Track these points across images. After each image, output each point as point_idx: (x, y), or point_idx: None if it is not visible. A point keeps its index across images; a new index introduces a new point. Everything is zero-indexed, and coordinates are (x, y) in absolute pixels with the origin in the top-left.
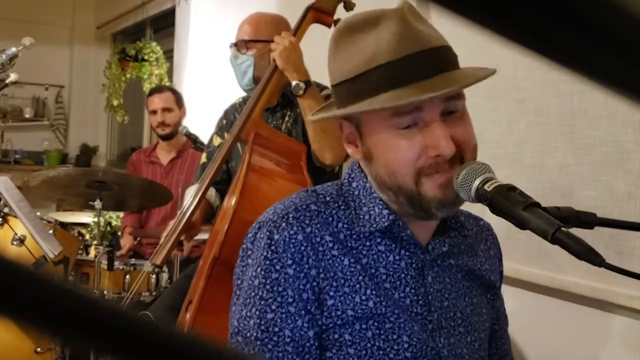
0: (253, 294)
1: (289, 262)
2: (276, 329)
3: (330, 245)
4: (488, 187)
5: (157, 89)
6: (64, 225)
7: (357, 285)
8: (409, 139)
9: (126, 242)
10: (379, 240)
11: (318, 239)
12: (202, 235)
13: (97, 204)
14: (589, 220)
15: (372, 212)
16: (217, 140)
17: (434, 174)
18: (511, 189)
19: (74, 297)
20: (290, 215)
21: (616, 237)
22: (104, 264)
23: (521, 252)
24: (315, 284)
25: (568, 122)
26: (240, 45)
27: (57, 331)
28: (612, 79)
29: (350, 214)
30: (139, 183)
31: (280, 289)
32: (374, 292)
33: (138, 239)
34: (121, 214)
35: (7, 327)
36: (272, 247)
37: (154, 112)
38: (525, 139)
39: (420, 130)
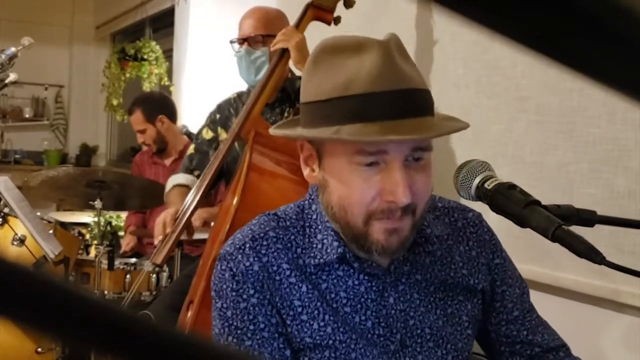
0: (227, 324)
1: (251, 291)
2: (256, 354)
3: (288, 272)
4: (488, 186)
5: (129, 109)
6: (64, 225)
7: (316, 312)
8: (367, 179)
9: (129, 241)
10: (336, 266)
11: (275, 267)
12: (203, 235)
13: (97, 203)
14: (589, 218)
15: (325, 242)
16: (208, 134)
17: (384, 219)
18: (511, 187)
19: (74, 298)
20: (247, 246)
21: (617, 235)
22: (105, 263)
23: (521, 250)
24: (278, 308)
25: (568, 120)
26: (253, 41)
27: (57, 332)
28: (612, 77)
29: (306, 242)
30: (139, 183)
31: (251, 316)
32: (332, 317)
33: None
34: (121, 214)
35: (7, 327)
36: (236, 279)
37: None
38: (525, 137)
39: (380, 171)
